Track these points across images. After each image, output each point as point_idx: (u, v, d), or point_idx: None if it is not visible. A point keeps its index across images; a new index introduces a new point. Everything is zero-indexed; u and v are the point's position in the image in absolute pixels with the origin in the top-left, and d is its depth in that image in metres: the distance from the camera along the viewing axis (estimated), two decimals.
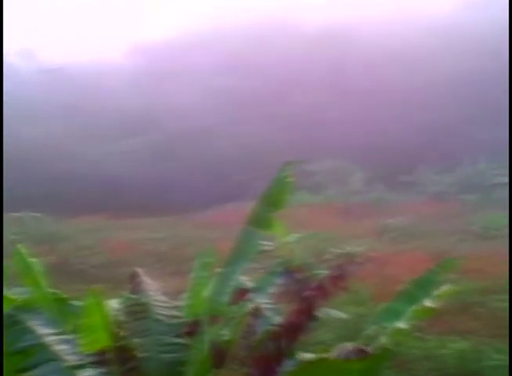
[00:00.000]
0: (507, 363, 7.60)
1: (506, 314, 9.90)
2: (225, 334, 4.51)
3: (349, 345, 4.20)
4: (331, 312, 6.37)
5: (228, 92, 36.57)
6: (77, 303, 4.67)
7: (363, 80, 34.85)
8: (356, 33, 38.38)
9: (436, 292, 4.58)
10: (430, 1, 40.99)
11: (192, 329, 4.55)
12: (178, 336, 4.58)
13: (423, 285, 4.81)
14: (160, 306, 4.74)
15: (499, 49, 32.90)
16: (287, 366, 4.46)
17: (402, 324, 4.41)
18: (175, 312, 4.73)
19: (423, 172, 29.03)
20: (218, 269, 4.83)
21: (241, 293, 4.76)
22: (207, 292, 4.71)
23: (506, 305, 10.21)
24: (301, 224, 14.98)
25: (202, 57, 39.04)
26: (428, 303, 4.44)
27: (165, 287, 5.19)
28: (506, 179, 28.55)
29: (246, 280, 5.04)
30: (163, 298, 4.86)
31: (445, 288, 4.64)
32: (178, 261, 14.24)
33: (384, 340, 4.29)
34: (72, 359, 4.02)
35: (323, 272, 5.91)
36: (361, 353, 4.08)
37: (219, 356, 4.39)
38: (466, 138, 30.95)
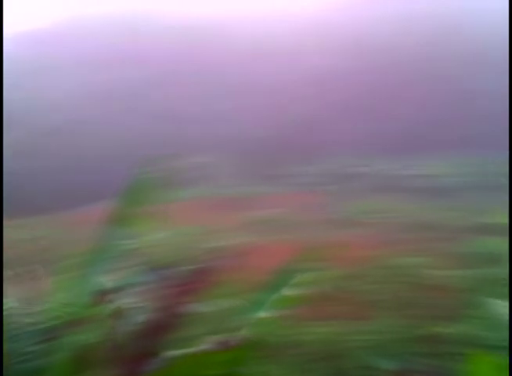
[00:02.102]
0: (371, 343, 8.05)
1: (369, 298, 10.50)
2: (87, 337, 4.38)
3: (214, 338, 4.22)
4: (199, 307, 6.39)
5: (97, 85, 35.53)
6: None
7: (232, 74, 35.15)
8: (228, 28, 38.63)
9: (298, 280, 4.72)
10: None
11: (51, 335, 4.38)
12: (35, 343, 4.39)
13: (286, 274, 4.92)
14: (14, 314, 4.52)
15: (369, 48, 34.62)
16: (153, 365, 4.41)
17: (265, 314, 4.51)
18: (31, 319, 4.53)
19: (288, 165, 29.82)
20: (79, 271, 4.68)
21: (102, 294, 4.63)
22: (66, 295, 4.55)
23: (368, 288, 10.80)
24: (171, 220, 14.87)
25: (74, 49, 37.75)
26: (290, 291, 4.56)
27: (25, 292, 4.96)
28: (366, 169, 30.13)
29: (108, 280, 4.91)
30: (16, 304, 4.63)
31: (307, 276, 4.79)
32: (44, 263, 13.69)
33: (249, 330, 4.36)
34: None
35: (191, 267, 5.92)
36: (225, 345, 4.11)
37: (81, 361, 4.25)
38: (332, 130, 32.20)
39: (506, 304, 4.58)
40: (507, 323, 4.37)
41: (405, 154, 30.11)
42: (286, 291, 4.56)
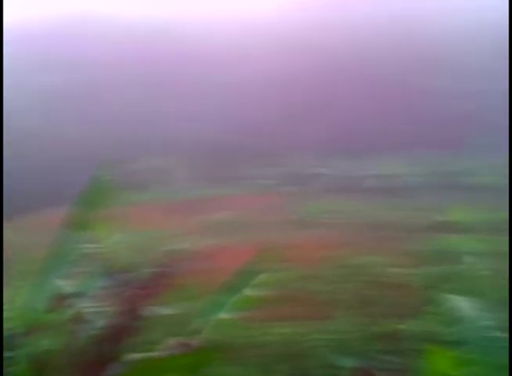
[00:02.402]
0: (333, 342, 8.13)
1: (329, 297, 10.61)
2: (45, 344, 4.31)
3: (175, 341, 4.20)
4: (160, 310, 6.35)
5: (47, 89, 34.92)
6: None
7: (183, 76, 35.02)
8: (179, 30, 38.46)
9: (256, 281, 4.75)
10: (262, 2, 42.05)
11: (10, 342, 4.29)
12: None
13: (245, 275, 4.94)
14: None
15: (320, 48, 34.93)
16: (115, 369, 4.37)
17: (226, 315, 4.52)
18: None
19: (245, 167, 29.89)
20: (37, 276, 4.61)
21: (62, 299, 4.57)
22: (23, 302, 4.47)
23: (328, 287, 10.92)
24: (128, 224, 14.74)
25: (21, 51, 37.03)
26: (251, 292, 4.58)
27: None
28: (324, 170, 30.45)
29: (67, 285, 4.84)
30: None
31: (265, 277, 4.81)
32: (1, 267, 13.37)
33: (210, 332, 4.37)
34: None
35: (151, 270, 5.89)
36: (187, 348, 4.10)
37: (39, 368, 4.18)
38: (288, 132, 32.40)
39: (462, 299, 4.69)
40: (463, 318, 4.48)
41: (363, 155, 30.53)
42: (247, 292, 4.58)
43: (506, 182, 23.25)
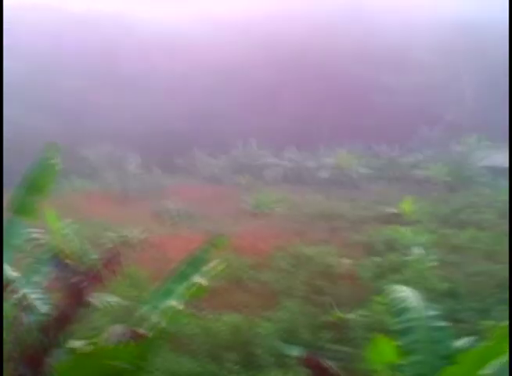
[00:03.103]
0: (277, 332, 8.14)
1: (276, 286, 10.63)
2: None
3: (120, 328, 4.12)
4: (105, 298, 6.23)
5: None
6: None
7: (136, 66, 34.56)
8: (129, 18, 37.92)
9: (205, 269, 4.69)
10: None
11: None
12: None
13: (194, 263, 4.87)
14: None
15: (270, 42, 34.94)
16: (58, 355, 4.26)
17: (173, 303, 4.44)
18: None
19: (198, 156, 29.76)
20: None
21: (5, 284, 4.43)
22: None
23: (275, 277, 10.93)
24: (76, 211, 14.44)
25: None
26: (198, 281, 4.52)
27: None
28: (275, 161, 30.54)
29: (10, 271, 4.69)
30: None
31: (213, 265, 4.76)
32: None
33: (156, 320, 4.29)
34: None
35: (95, 258, 5.75)
36: (132, 335, 4.03)
37: None
38: (239, 123, 32.37)
39: (405, 289, 4.74)
40: (408, 308, 4.53)
41: (315, 146, 30.75)
42: (195, 280, 4.52)
43: (451, 175, 23.83)
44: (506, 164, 24.24)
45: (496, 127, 27.94)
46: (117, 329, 4.14)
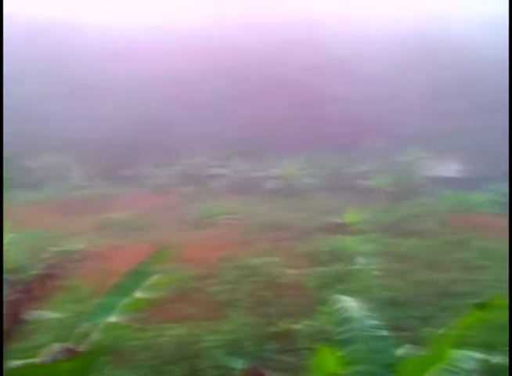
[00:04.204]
0: (222, 344, 8.10)
1: (222, 297, 10.58)
2: None
3: (57, 346, 4.02)
4: (45, 314, 6.07)
5: None
6: None
7: (86, 74, 34.08)
8: (80, 26, 37.38)
9: (149, 282, 4.62)
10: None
11: None
12: None
13: (137, 276, 4.80)
14: None
15: (221, 53, 34.95)
16: None
17: (115, 318, 4.36)
18: None
19: (144, 166, 29.46)
20: None
21: None
22: None
23: (221, 288, 10.88)
24: (20, 223, 14.09)
25: None
26: (141, 294, 4.45)
27: None
28: (223, 171, 30.52)
29: None
30: None
31: (157, 278, 4.70)
32: None
33: (96, 336, 4.20)
34: None
35: (36, 272, 5.59)
36: (69, 353, 3.94)
37: None
38: (188, 133, 32.24)
39: (352, 299, 4.79)
40: (351, 318, 4.58)
41: (262, 156, 30.85)
42: (138, 294, 4.46)
43: (395, 185, 24.28)
44: (449, 174, 24.85)
45: (442, 138, 28.69)
46: (55, 347, 4.04)
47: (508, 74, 25.94)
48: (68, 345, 4.06)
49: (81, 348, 4.03)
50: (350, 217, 17.39)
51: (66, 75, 33.71)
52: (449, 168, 24.85)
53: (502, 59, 27.84)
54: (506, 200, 19.13)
